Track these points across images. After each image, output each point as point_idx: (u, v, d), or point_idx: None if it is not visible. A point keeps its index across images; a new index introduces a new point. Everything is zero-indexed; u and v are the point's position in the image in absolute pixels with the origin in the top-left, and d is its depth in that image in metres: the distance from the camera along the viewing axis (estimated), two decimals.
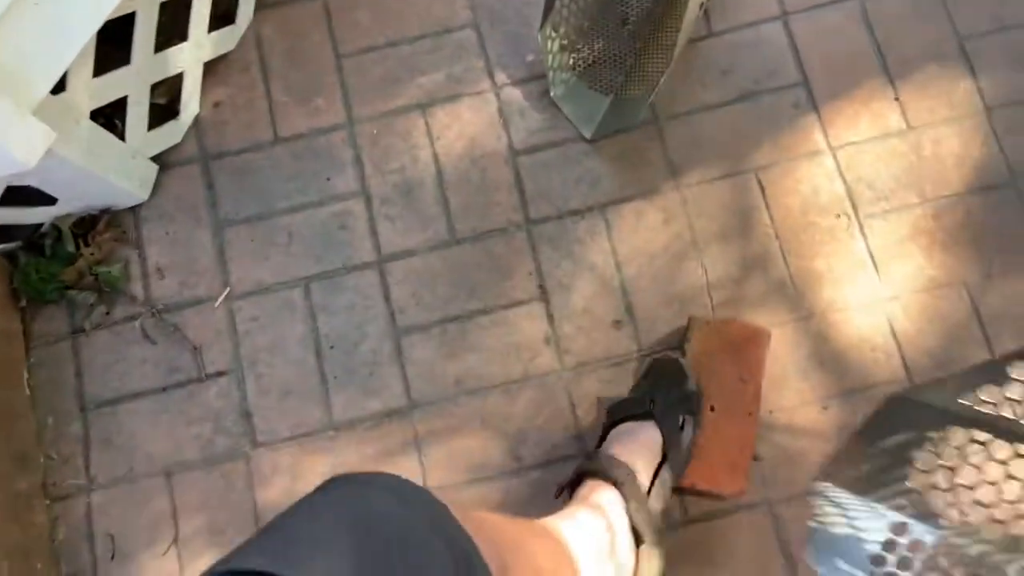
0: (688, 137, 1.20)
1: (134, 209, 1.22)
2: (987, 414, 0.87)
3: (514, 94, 1.23)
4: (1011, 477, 0.84)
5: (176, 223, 1.22)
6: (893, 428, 0.92)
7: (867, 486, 0.89)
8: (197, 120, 1.25)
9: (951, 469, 0.87)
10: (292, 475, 1.13)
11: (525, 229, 1.19)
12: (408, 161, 1.22)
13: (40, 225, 1.19)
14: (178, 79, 1.20)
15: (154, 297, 1.20)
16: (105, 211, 1.20)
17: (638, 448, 0.98)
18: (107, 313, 1.19)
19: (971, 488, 0.85)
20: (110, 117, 1.14)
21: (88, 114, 1.06)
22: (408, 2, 1.28)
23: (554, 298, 1.16)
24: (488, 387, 1.14)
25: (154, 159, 1.21)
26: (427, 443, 1.13)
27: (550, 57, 1.17)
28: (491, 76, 1.24)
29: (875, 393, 1.09)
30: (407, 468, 1.11)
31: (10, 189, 1.09)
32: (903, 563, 0.83)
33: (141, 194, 1.20)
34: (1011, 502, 0.83)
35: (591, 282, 1.16)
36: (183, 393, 1.16)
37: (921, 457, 0.87)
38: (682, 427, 1.02)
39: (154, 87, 1.16)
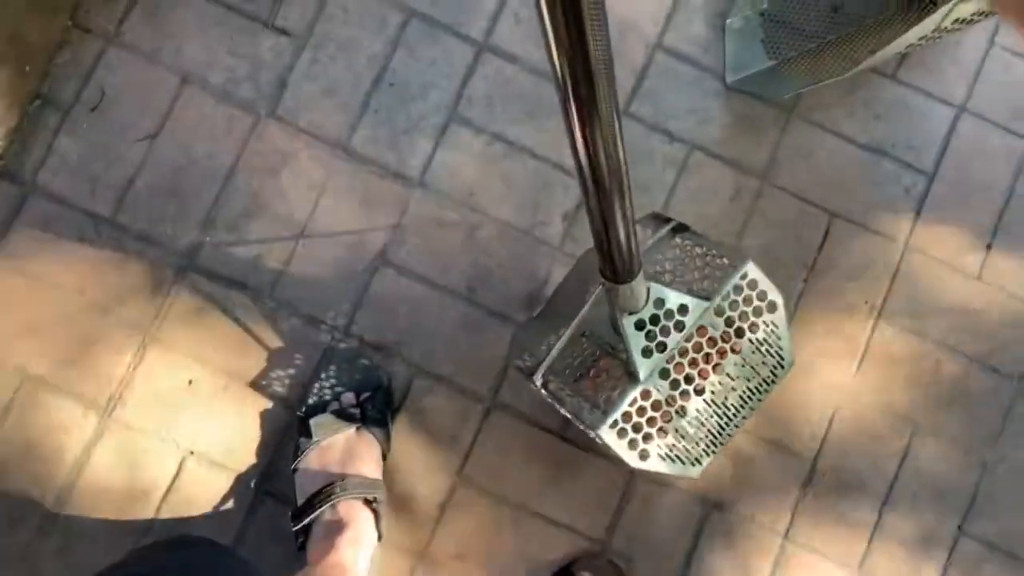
0: (803, 146, 1.19)
1: None
2: None
3: (697, 1, 1.20)
4: None
5: None
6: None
7: None
8: None
9: None
10: (281, 160, 1.13)
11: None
12: None
13: None
14: None
15: None
16: None
17: (369, 463, 1.02)
18: None
19: None
20: None
21: None
22: None
23: None
24: (490, 217, 1.14)
25: None
26: (408, 224, 1.13)
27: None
28: None
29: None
30: (378, 224, 1.12)
31: None
32: None
33: None
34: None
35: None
36: (243, 24, 1.14)
37: None
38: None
39: None
